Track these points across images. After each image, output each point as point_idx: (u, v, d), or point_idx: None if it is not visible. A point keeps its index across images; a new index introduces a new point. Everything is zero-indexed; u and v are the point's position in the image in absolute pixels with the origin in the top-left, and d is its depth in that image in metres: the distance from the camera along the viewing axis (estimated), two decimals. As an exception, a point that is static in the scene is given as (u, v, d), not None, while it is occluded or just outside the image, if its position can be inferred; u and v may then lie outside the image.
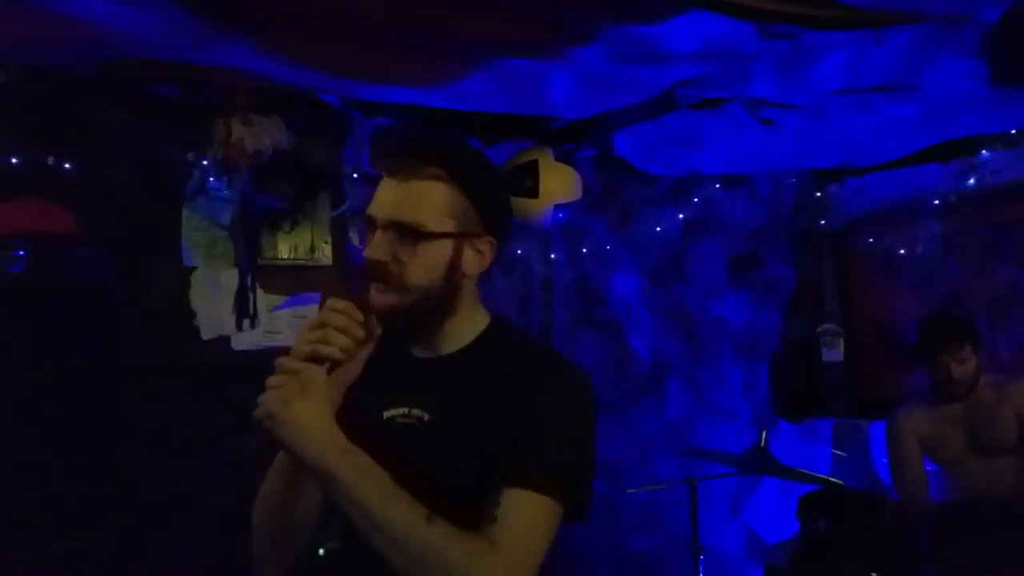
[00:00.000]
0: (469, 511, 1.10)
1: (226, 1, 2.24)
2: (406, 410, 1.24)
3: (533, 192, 3.37)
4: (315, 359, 1.13)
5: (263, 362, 3.40)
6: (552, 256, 3.70)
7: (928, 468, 3.11)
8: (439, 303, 1.23)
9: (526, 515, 1.11)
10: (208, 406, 3.13)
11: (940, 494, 3.11)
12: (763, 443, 3.11)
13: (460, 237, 1.22)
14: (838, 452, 3.87)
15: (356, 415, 1.19)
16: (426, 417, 1.21)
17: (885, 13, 2.37)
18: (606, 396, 3.56)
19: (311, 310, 3.37)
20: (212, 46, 2.55)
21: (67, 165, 2.79)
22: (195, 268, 3.15)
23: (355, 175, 3.34)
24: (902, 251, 3.91)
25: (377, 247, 1.20)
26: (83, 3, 2.14)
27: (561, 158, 3.43)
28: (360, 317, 1.15)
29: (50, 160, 2.76)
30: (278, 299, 3.31)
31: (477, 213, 1.23)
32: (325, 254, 3.37)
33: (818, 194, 4.16)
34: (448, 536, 1.07)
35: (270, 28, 2.44)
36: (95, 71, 2.70)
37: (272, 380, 1.12)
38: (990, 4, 2.33)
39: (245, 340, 3.25)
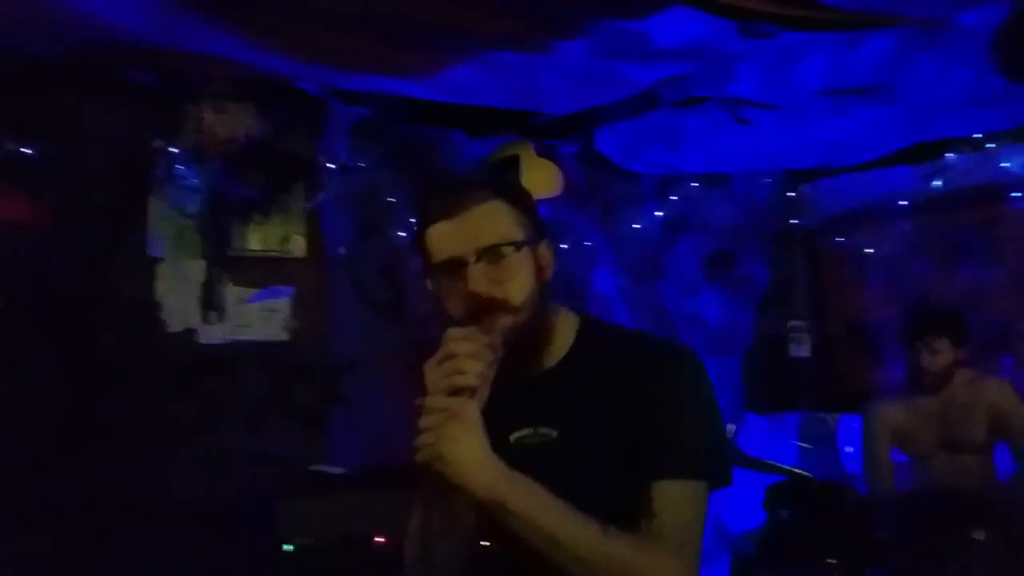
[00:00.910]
0: (613, 515, 1.13)
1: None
2: (532, 430, 1.26)
3: (515, 187, 3.34)
4: (455, 392, 1.11)
5: (231, 356, 3.36)
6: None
7: (897, 459, 3.19)
8: (542, 313, 1.25)
9: (682, 503, 1.16)
10: (175, 400, 3.07)
11: (907, 484, 3.19)
12: (731, 435, 3.16)
13: (529, 244, 1.25)
14: (805, 445, 3.95)
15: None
16: (554, 434, 1.23)
17: (864, 15, 2.41)
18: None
19: (283, 303, 3.31)
20: (186, 32, 2.47)
21: (32, 151, 2.68)
22: (162, 258, 3.08)
23: (332, 166, 3.27)
24: (871, 250, 4.01)
25: (476, 280, 1.19)
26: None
27: (543, 153, 3.42)
28: (485, 340, 1.14)
29: (15, 146, 2.65)
30: (249, 292, 3.25)
31: (530, 221, 1.27)
32: (299, 246, 3.31)
33: (792, 194, 4.24)
34: (625, 542, 1.11)
35: (248, 15, 2.37)
36: (65, 56, 2.59)
37: (427, 421, 1.10)
38: (966, 9, 2.39)
39: (213, 333, 3.19)
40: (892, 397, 3.20)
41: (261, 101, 3.05)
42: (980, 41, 2.56)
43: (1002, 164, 3.53)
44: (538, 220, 1.29)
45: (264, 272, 3.26)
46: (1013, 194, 3.53)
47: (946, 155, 3.65)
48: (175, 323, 3.13)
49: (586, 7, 2.33)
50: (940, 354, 3.00)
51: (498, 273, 1.20)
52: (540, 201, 3.38)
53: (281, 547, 2.85)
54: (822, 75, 2.84)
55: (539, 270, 1.25)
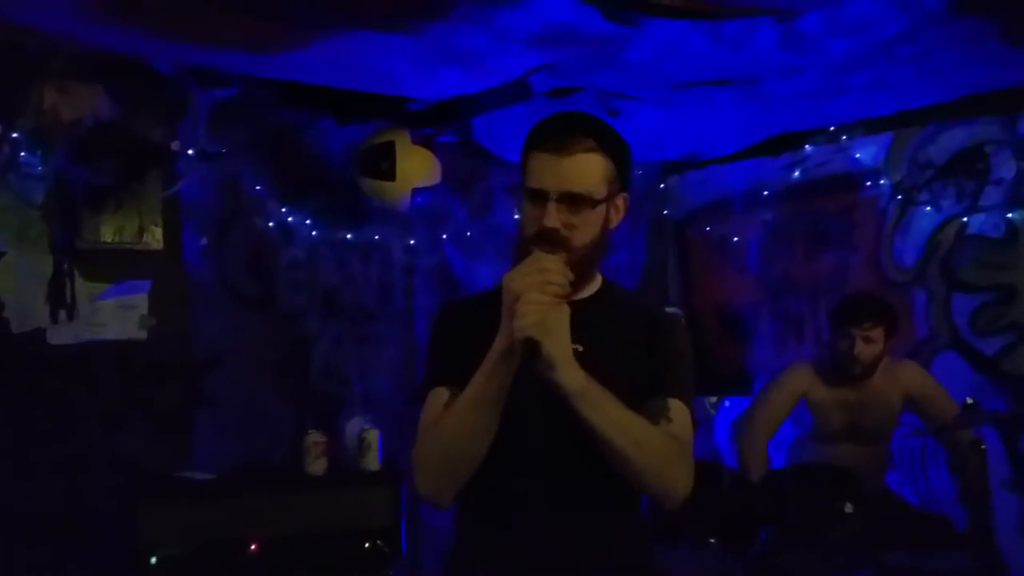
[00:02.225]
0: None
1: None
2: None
3: (389, 174, 3.28)
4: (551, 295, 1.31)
5: (84, 357, 3.13)
6: (412, 242, 3.63)
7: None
8: (596, 255, 1.46)
9: (684, 417, 1.45)
10: (23, 406, 2.86)
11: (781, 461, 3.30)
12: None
13: (611, 199, 1.44)
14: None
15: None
16: (581, 348, 1.39)
17: (726, 7, 2.48)
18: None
19: (139, 299, 3.12)
20: (24, 2, 2.27)
21: None
22: (4, 252, 2.87)
23: (191, 152, 3.10)
24: (736, 238, 4.17)
25: (551, 216, 1.36)
26: None
27: (419, 141, 3.36)
28: (567, 268, 1.34)
29: None
30: (101, 287, 3.05)
31: (619, 177, 1.44)
32: (155, 237, 3.12)
33: (662, 185, 4.35)
34: (659, 432, 1.39)
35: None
36: None
37: (527, 308, 1.28)
38: (817, 5, 2.50)
39: (63, 333, 2.98)
40: (816, 365, 3.18)
41: (111, 81, 2.86)
42: (837, 36, 2.69)
43: (855, 155, 3.74)
44: (626, 176, 1.46)
45: (118, 266, 3.06)
46: (866, 183, 3.73)
47: (805, 146, 3.83)
48: (20, 323, 2.90)
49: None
50: (875, 343, 3.00)
51: (572, 218, 1.38)
52: (417, 190, 3.40)
53: (146, 559, 2.71)
54: (687, 67, 2.91)
55: (607, 220, 1.44)
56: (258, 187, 3.28)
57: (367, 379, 3.48)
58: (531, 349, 1.28)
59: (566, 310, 1.33)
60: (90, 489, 2.93)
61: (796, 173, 3.92)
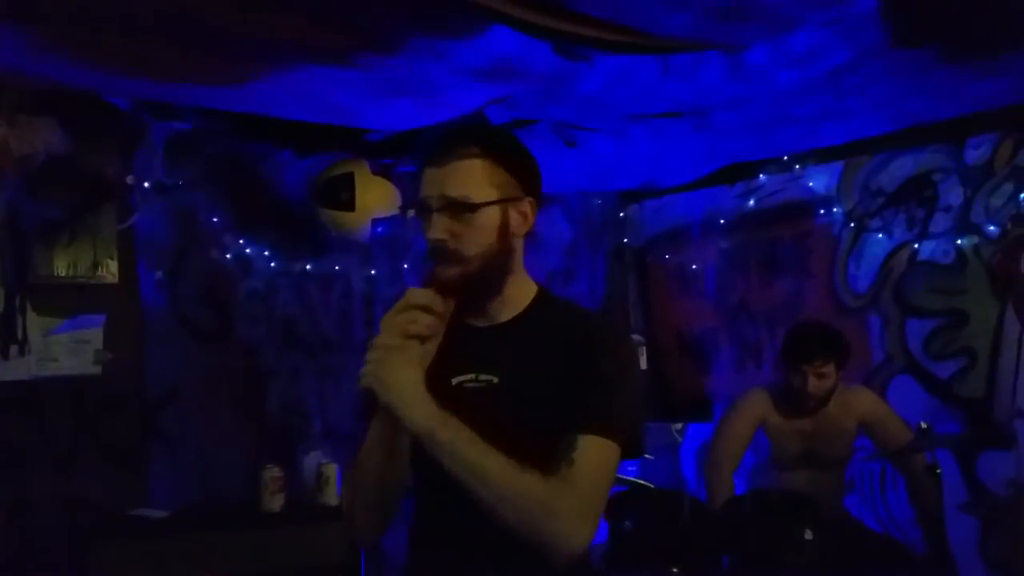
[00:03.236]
0: (539, 459, 1.26)
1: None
2: (474, 376, 1.37)
3: (349, 205, 3.27)
4: (410, 339, 1.29)
5: (37, 394, 3.07)
6: (373, 271, 3.62)
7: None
8: (497, 266, 1.37)
9: (598, 459, 1.29)
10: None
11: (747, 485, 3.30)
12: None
13: (503, 202, 1.36)
14: (646, 455, 4.07)
15: (428, 384, 1.35)
16: (495, 380, 1.35)
17: (675, 41, 2.53)
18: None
19: (94, 333, 3.07)
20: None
21: None
22: (-46, 287, 2.80)
23: (146, 184, 3.08)
24: (695, 266, 4.22)
25: (436, 228, 1.34)
26: None
27: (379, 172, 3.37)
28: (441, 300, 1.31)
29: None
30: (55, 322, 2.99)
31: (514, 179, 1.37)
32: (110, 271, 3.08)
33: (622, 214, 4.40)
34: (536, 481, 1.24)
35: (45, 19, 2.19)
36: None
37: (373, 354, 1.27)
38: (763, 38, 2.56)
39: (14, 370, 2.92)
40: (770, 391, 3.18)
41: (62, 114, 2.83)
42: (784, 67, 2.75)
43: (808, 183, 3.82)
44: (527, 181, 1.39)
45: (72, 300, 3.01)
46: (819, 210, 3.80)
47: (759, 175, 3.90)
48: (-31, 359, 2.84)
49: (403, 23, 2.32)
50: (827, 378, 2.99)
51: (456, 226, 1.33)
52: (376, 220, 3.40)
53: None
54: (639, 99, 2.96)
55: (504, 228, 1.35)
56: (215, 219, 3.26)
57: (326, 412, 3.44)
58: (373, 398, 1.25)
59: (414, 350, 1.27)
60: (40, 529, 2.85)
61: (751, 201, 3.99)
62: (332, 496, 3.08)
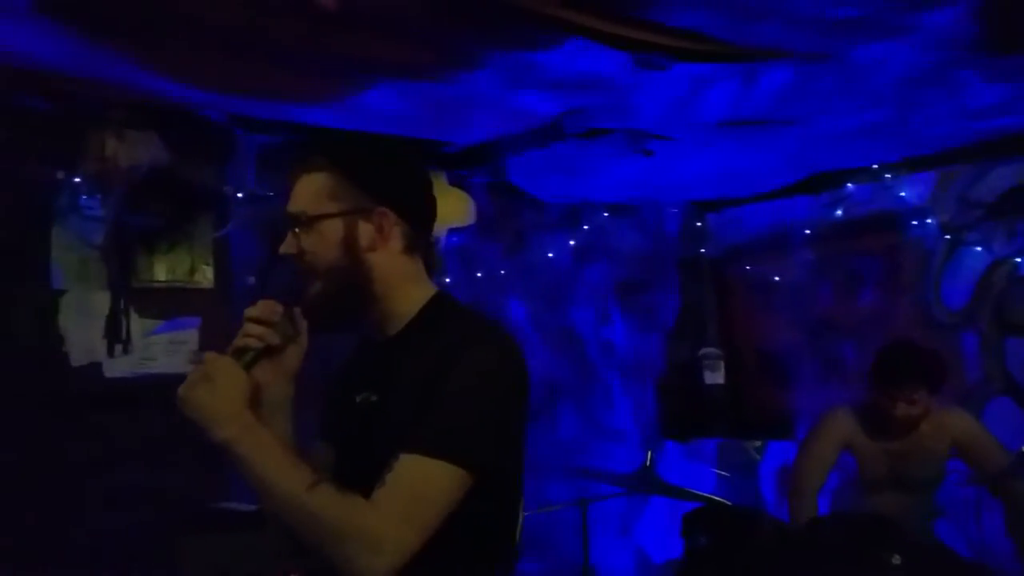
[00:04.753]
0: None
1: (104, 11, 2.13)
2: (368, 393, 1.33)
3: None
4: (239, 352, 1.29)
5: (137, 390, 3.24)
6: (447, 280, 3.69)
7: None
8: (356, 281, 1.31)
9: (412, 477, 1.18)
10: (78, 437, 2.94)
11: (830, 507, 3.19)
12: (649, 463, 3.16)
13: (347, 215, 1.30)
14: (722, 472, 3.99)
15: (334, 401, 1.39)
16: (374, 398, 1.31)
17: (756, 49, 2.49)
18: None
19: (190, 335, 3.24)
20: (86, 57, 2.43)
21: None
22: (65, 291, 2.99)
23: (240, 194, 3.24)
24: (776, 278, 4.11)
25: (287, 244, 1.33)
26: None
27: (455, 183, 3.44)
28: (278, 310, 1.30)
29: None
30: (154, 324, 3.16)
31: (362, 191, 1.31)
32: (206, 276, 3.25)
33: (699, 224, 4.34)
34: (328, 499, 1.16)
35: (150, 40, 2.35)
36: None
37: (191, 373, 1.26)
38: (853, 45, 2.49)
39: (118, 367, 3.09)
40: (858, 410, 3.03)
41: (163, 129, 3.00)
42: (871, 75, 2.67)
43: (899, 193, 3.67)
44: (381, 191, 1.32)
45: (170, 303, 3.17)
46: (912, 222, 3.66)
47: (846, 185, 3.78)
48: (79, 357, 3.02)
49: (487, 39, 2.37)
50: (916, 404, 2.84)
51: (303, 241, 1.31)
52: (451, 230, 3.47)
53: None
54: (719, 108, 2.92)
55: (350, 241, 1.29)
56: (302, 228, 3.39)
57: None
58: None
59: (227, 362, 1.25)
60: (137, 519, 2.97)
61: (838, 212, 3.87)
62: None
